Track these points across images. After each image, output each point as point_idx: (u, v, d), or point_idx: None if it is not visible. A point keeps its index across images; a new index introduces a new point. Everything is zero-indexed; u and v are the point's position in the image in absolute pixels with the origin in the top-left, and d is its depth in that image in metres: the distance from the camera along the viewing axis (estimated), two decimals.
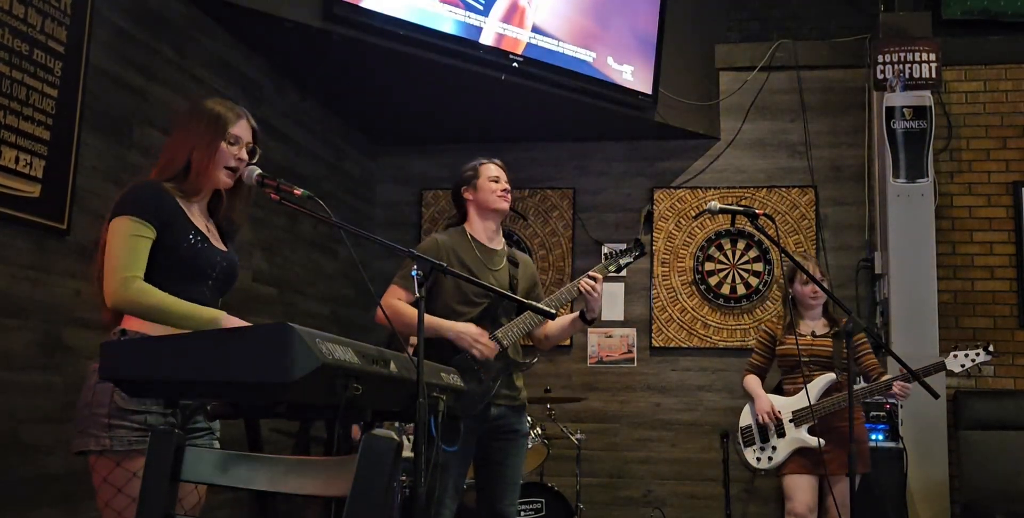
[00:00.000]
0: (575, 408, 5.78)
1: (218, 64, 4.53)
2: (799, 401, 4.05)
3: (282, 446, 4.62)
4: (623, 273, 6.09)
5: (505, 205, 3.44)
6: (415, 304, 3.20)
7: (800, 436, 4.04)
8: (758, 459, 4.15)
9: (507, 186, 3.45)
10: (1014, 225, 5.70)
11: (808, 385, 4.03)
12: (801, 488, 4.00)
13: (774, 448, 4.11)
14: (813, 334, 4.13)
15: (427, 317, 3.13)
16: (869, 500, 4.53)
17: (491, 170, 3.45)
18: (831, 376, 4.02)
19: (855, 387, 3.94)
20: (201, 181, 2.39)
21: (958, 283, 5.70)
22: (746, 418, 4.27)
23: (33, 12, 3.26)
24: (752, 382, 4.28)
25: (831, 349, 4.04)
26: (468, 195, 3.44)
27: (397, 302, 3.27)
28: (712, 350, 5.97)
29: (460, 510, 3.36)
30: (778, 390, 4.27)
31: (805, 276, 4.07)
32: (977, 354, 3.98)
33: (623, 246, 3.70)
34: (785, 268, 4.31)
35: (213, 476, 1.83)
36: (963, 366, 3.98)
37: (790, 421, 4.08)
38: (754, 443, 4.18)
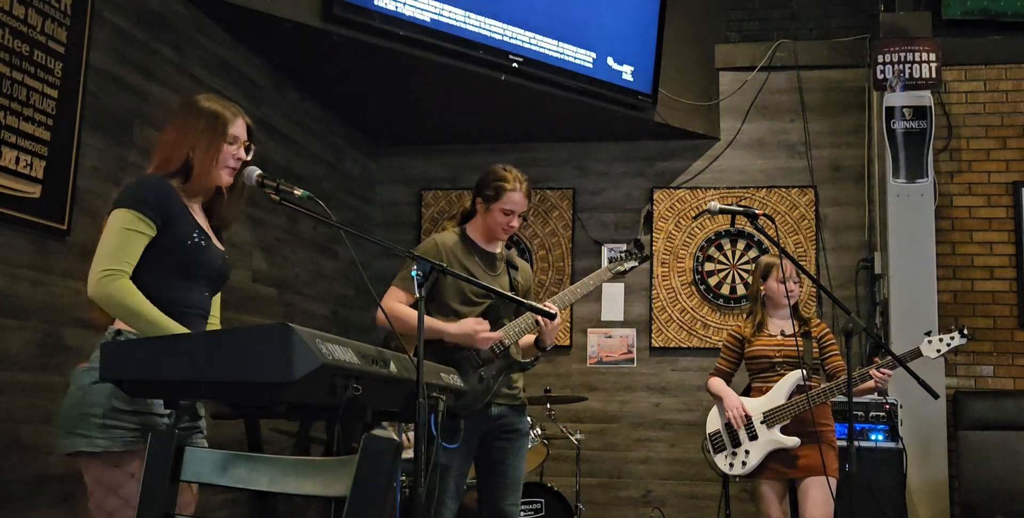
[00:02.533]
0: (575, 408, 5.78)
1: (218, 64, 4.53)
2: (769, 402, 3.95)
3: (282, 446, 4.62)
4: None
5: (504, 238, 3.41)
6: (415, 306, 3.21)
7: (774, 437, 3.90)
8: (731, 465, 3.99)
9: (517, 223, 3.35)
10: (1014, 225, 5.70)
11: (777, 384, 3.94)
12: (773, 496, 3.93)
13: (747, 452, 3.95)
14: (783, 333, 4.03)
15: (427, 320, 3.13)
16: (869, 500, 4.53)
17: (510, 201, 3.31)
18: (798, 373, 3.92)
19: (832, 385, 3.90)
20: (203, 182, 2.39)
21: (958, 283, 5.70)
22: (713, 423, 4.12)
23: (33, 13, 3.26)
24: (717, 383, 4.14)
25: (802, 348, 3.96)
26: (480, 208, 3.37)
27: (397, 305, 3.26)
28: (712, 350, 5.95)
29: (461, 510, 3.36)
30: (746, 393, 4.14)
31: (780, 274, 3.99)
32: (952, 338, 3.84)
33: (623, 247, 3.67)
34: (761, 265, 4.17)
35: (213, 476, 1.83)
36: (939, 351, 3.85)
37: (761, 423, 3.94)
38: (724, 449, 4.03)
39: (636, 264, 3.56)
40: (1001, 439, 5.25)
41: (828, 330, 4.11)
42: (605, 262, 6.11)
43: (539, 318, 3.20)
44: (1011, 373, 5.58)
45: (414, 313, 3.12)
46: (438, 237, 3.40)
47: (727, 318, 5.98)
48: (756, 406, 3.99)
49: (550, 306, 3.18)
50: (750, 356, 4.09)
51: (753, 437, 3.97)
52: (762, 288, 4.12)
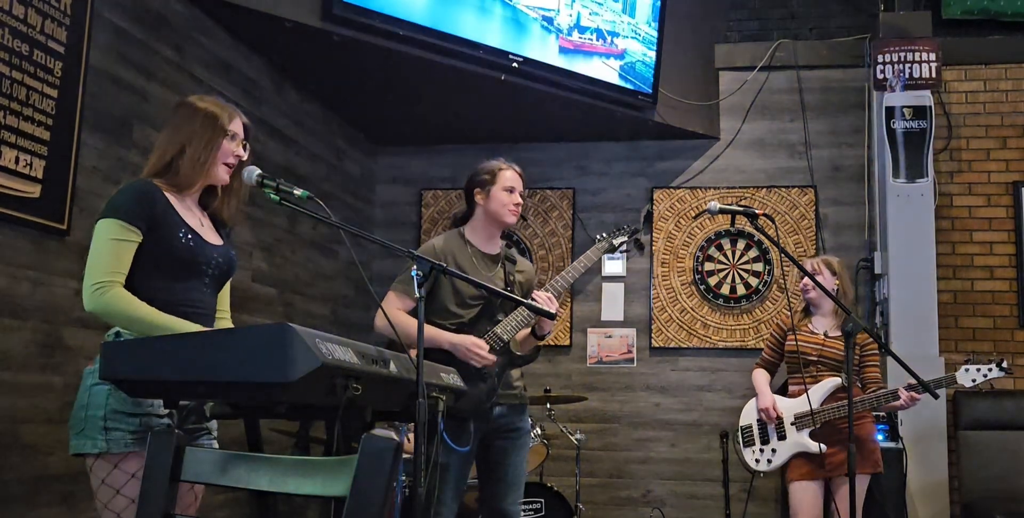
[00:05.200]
0: (575, 408, 5.78)
1: (218, 64, 4.53)
2: (802, 403, 3.96)
3: (282, 446, 4.62)
4: (623, 272, 6.14)
5: (514, 220, 3.38)
6: (412, 312, 3.22)
7: (801, 440, 3.96)
8: (756, 460, 4.08)
9: (520, 200, 3.36)
10: (1014, 225, 5.70)
11: (813, 388, 3.95)
12: (807, 498, 3.94)
13: (774, 450, 4.03)
14: (826, 334, 4.05)
15: (426, 328, 3.13)
16: (869, 500, 4.53)
17: (508, 179, 3.34)
18: (836, 381, 3.94)
19: (859, 397, 3.91)
20: (194, 176, 2.38)
21: (958, 283, 5.70)
22: (747, 417, 4.19)
23: (33, 13, 3.26)
24: (759, 377, 4.20)
25: (843, 352, 3.94)
26: (479, 199, 3.37)
27: (394, 312, 3.26)
28: (712, 350, 5.98)
29: (461, 510, 3.36)
30: (783, 390, 4.22)
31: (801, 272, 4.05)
32: (990, 369, 3.90)
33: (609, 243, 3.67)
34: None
35: (213, 476, 1.83)
36: (974, 381, 3.91)
37: (791, 424, 4.01)
38: (753, 444, 4.12)
39: (626, 238, 3.59)
40: (1001, 439, 5.25)
41: (872, 339, 4.04)
42: (604, 261, 6.14)
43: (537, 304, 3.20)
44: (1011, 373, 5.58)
45: (411, 320, 3.13)
46: (436, 241, 3.41)
47: (727, 318, 5.98)
48: (789, 407, 4.05)
49: (538, 297, 3.18)
50: (789, 351, 4.11)
51: (782, 437, 4.04)
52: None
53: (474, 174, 3.41)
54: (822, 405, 3.95)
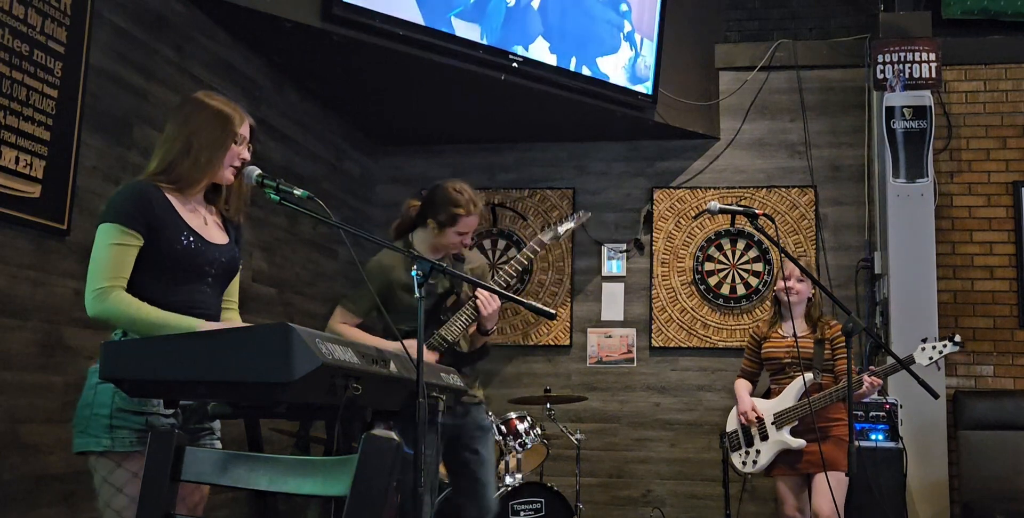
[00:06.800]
0: (575, 408, 5.78)
1: (218, 64, 4.53)
2: (779, 403, 4.10)
3: (282, 446, 4.62)
4: (622, 272, 6.14)
5: (458, 251, 3.47)
6: (360, 327, 3.30)
7: (782, 438, 4.06)
8: (743, 463, 4.20)
9: (470, 240, 3.44)
10: (1014, 225, 5.70)
11: (788, 386, 4.09)
12: (788, 492, 4.09)
13: (758, 451, 4.14)
14: (794, 335, 4.14)
15: (367, 337, 3.30)
16: (869, 500, 4.54)
17: (465, 225, 3.38)
18: (807, 376, 4.04)
19: (831, 391, 4.00)
20: (196, 174, 2.37)
21: (958, 283, 5.70)
22: (732, 423, 4.32)
23: (33, 13, 3.26)
24: (739, 386, 4.33)
25: (812, 351, 4.08)
26: (432, 226, 3.41)
27: (340, 327, 3.38)
28: (712, 350, 5.97)
29: (448, 510, 3.38)
30: (768, 394, 4.29)
31: (782, 274, 4.16)
32: (944, 345, 3.97)
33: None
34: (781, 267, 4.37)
35: (213, 476, 1.83)
36: (931, 358, 3.97)
37: (772, 423, 4.11)
38: (740, 447, 4.23)
39: (571, 225, 3.69)
40: (1001, 439, 5.25)
41: (840, 334, 4.14)
42: (604, 261, 6.14)
43: (478, 304, 3.28)
44: (1011, 373, 5.58)
45: (356, 333, 3.26)
46: (382, 258, 3.47)
47: (727, 318, 5.98)
48: (768, 408, 4.15)
49: (480, 295, 3.26)
50: (764, 357, 4.24)
51: (764, 437, 4.13)
52: (774, 288, 4.27)
53: (437, 202, 3.40)
54: (798, 401, 4.05)
